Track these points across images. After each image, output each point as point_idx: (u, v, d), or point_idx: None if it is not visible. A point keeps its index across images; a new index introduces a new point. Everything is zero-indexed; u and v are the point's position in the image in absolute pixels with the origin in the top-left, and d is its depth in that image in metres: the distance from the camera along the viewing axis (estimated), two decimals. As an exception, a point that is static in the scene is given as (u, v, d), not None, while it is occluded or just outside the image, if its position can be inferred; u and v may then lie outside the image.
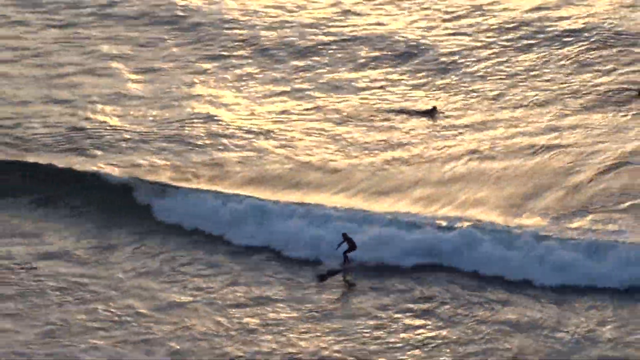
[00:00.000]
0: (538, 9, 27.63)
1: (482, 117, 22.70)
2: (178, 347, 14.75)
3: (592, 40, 25.54)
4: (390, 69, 25.75)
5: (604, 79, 23.56)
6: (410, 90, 24.67)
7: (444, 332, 14.98)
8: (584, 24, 26.60)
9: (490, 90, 23.36)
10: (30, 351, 14.59)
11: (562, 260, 17.46)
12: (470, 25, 27.23)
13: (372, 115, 23.78)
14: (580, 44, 25.40)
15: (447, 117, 22.72)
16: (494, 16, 27.39)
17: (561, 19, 26.86)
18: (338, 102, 24.59)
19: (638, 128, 21.41)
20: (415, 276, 16.93)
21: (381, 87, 25.33)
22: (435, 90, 24.48)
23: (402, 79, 25.57)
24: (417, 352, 14.41)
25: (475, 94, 23.71)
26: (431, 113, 22.74)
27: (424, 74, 25.32)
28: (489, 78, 24.16)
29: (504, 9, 27.78)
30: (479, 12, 27.70)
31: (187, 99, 24.94)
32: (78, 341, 14.73)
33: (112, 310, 15.71)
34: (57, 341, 14.82)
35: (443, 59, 25.56)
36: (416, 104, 23.89)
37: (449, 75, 25.01)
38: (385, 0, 29.18)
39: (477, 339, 14.96)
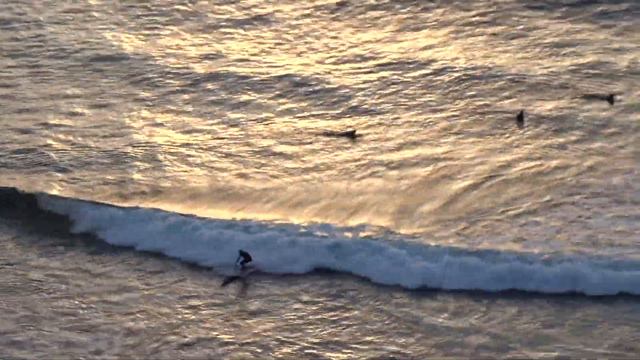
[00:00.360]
0: (422, 49, 29.81)
1: (390, 137, 24.95)
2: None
3: (469, 75, 28.01)
4: (310, 101, 27.62)
5: (487, 107, 26.13)
6: (332, 118, 26.62)
7: (325, 333, 16.91)
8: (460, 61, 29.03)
9: (394, 118, 25.84)
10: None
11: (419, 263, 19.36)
12: (370, 63, 29.39)
13: (298, 137, 25.53)
14: (458, 76, 27.92)
15: (364, 138, 24.96)
16: (389, 56, 29.63)
17: (447, 59, 29.25)
18: (264, 127, 26.34)
19: (514, 147, 24.04)
20: (308, 280, 19.08)
21: (305, 115, 26.96)
22: (354, 116, 26.50)
23: (323, 108, 27.34)
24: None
25: (384, 120, 25.93)
26: (351, 135, 25.14)
27: (342, 105, 27.25)
28: (393, 108, 26.46)
29: (397, 50, 29.79)
30: (377, 54, 29.71)
31: (127, 127, 26.57)
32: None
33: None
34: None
35: (357, 93, 27.64)
36: (338, 127, 25.85)
37: (363, 105, 27.05)
38: (297, 43, 31.03)
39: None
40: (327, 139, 25.57)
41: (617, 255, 19.16)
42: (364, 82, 28.18)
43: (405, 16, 32.29)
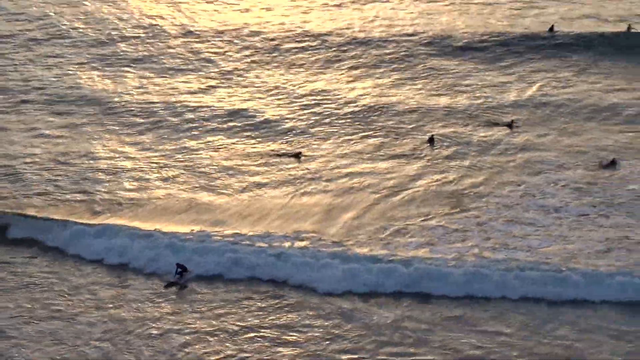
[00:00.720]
0: (347, 84, 31.51)
1: (327, 157, 26.60)
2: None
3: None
4: (255, 130, 28.70)
5: (403, 132, 27.51)
6: (281, 143, 27.98)
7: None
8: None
9: (330, 142, 27.19)
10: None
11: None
12: (307, 98, 30.93)
13: (248, 158, 26.83)
14: (377, 107, 29.52)
15: (308, 159, 26.49)
16: (320, 91, 31.22)
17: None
18: (216, 152, 27.34)
19: (426, 164, 25.36)
20: (244, 285, 20.00)
21: (254, 140, 28.15)
22: (299, 138, 28.15)
23: (270, 135, 28.60)
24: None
25: (321, 144, 27.43)
26: (297, 156, 26.61)
27: (283, 132, 28.68)
28: (327, 134, 27.82)
29: (325, 86, 31.45)
30: (311, 90, 31.20)
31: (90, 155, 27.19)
32: None
33: None
34: None
35: (293, 122, 28.97)
36: (285, 149, 27.30)
37: (302, 132, 28.56)
38: (240, 80, 32.35)
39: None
40: (277, 159, 26.71)
41: (511, 258, 20.14)
42: (300, 113, 29.37)
43: (330, 56, 33.98)
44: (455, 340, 17.72)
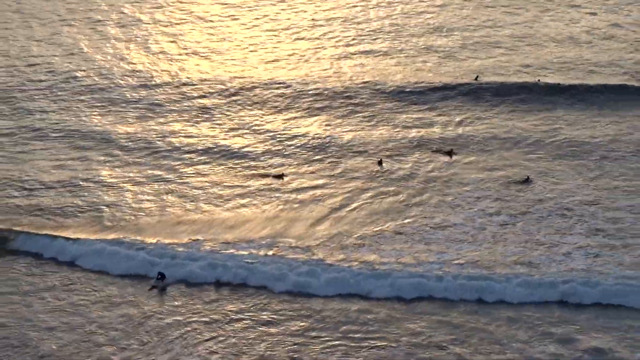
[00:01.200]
0: (304, 122, 34.45)
1: (302, 179, 29.17)
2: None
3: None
4: (241, 159, 31.48)
5: (356, 160, 30.40)
6: (266, 165, 30.56)
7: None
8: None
9: (301, 169, 29.90)
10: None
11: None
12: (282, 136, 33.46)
13: (234, 179, 29.14)
14: (331, 142, 32.47)
15: (291, 180, 29.04)
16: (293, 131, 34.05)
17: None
18: (205, 176, 29.60)
19: (375, 184, 28.07)
20: (213, 288, 22.43)
21: (242, 165, 30.63)
22: (283, 159, 30.99)
23: (253, 162, 31.23)
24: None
25: (304, 167, 30.26)
26: (280, 177, 28.50)
27: (270, 160, 31.26)
28: (298, 162, 30.72)
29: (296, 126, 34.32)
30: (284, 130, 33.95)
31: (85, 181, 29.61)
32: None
33: None
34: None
35: (266, 154, 31.76)
36: (269, 171, 29.86)
37: (290, 154, 31.43)
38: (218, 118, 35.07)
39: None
40: (263, 180, 28.78)
41: (440, 266, 22.16)
42: (276, 145, 32.39)
43: (286, 102, 37.11)
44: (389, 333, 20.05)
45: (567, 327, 19.76)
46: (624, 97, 35.02)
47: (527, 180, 27.99)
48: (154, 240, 24.43)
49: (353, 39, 43.29)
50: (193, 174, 29.70)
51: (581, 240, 23.57)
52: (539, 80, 36.48)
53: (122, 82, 39.67)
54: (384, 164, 29.31)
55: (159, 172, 29.88)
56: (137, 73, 40.64)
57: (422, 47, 41.39)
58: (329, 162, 30.32)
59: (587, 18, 44.21)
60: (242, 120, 34.97)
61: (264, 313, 20.95)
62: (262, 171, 29.45)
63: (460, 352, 18.75)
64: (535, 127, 32.86)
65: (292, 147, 32.13)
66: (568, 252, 22.82)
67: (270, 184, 28.48)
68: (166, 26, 46.76)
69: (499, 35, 42.35)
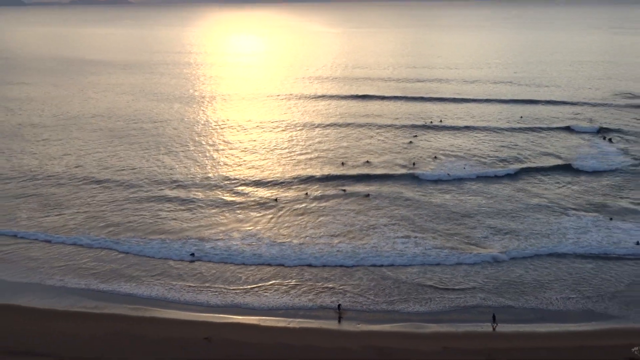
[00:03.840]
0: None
1: (298, 203, 38.30)
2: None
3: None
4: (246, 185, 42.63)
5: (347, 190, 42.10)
6: (263, 191, 40.99)
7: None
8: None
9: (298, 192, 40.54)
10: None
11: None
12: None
13: (233, 201, 37.76)
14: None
15: (284, 204, 38.84)
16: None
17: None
18: (215, 201, 39.15)
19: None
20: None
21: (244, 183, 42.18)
22: (276, 187, 41.16)
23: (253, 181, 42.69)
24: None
25: (292, 192, 39.37)
26: (275, 201, 36.91)
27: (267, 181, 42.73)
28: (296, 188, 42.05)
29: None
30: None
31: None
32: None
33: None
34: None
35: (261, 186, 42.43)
36: (263, 196, 40.34)
37: (280, 183, 41.83)
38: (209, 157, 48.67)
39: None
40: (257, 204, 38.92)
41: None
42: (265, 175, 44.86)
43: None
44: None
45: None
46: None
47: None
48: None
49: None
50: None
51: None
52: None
53: (133, 125, 57.88)
54: (370, 196, 40.36)
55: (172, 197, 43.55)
56: (141, 118, 64.78)
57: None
58: (320, 196, 43.31)
59: None
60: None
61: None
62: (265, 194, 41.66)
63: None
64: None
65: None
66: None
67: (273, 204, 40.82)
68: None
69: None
